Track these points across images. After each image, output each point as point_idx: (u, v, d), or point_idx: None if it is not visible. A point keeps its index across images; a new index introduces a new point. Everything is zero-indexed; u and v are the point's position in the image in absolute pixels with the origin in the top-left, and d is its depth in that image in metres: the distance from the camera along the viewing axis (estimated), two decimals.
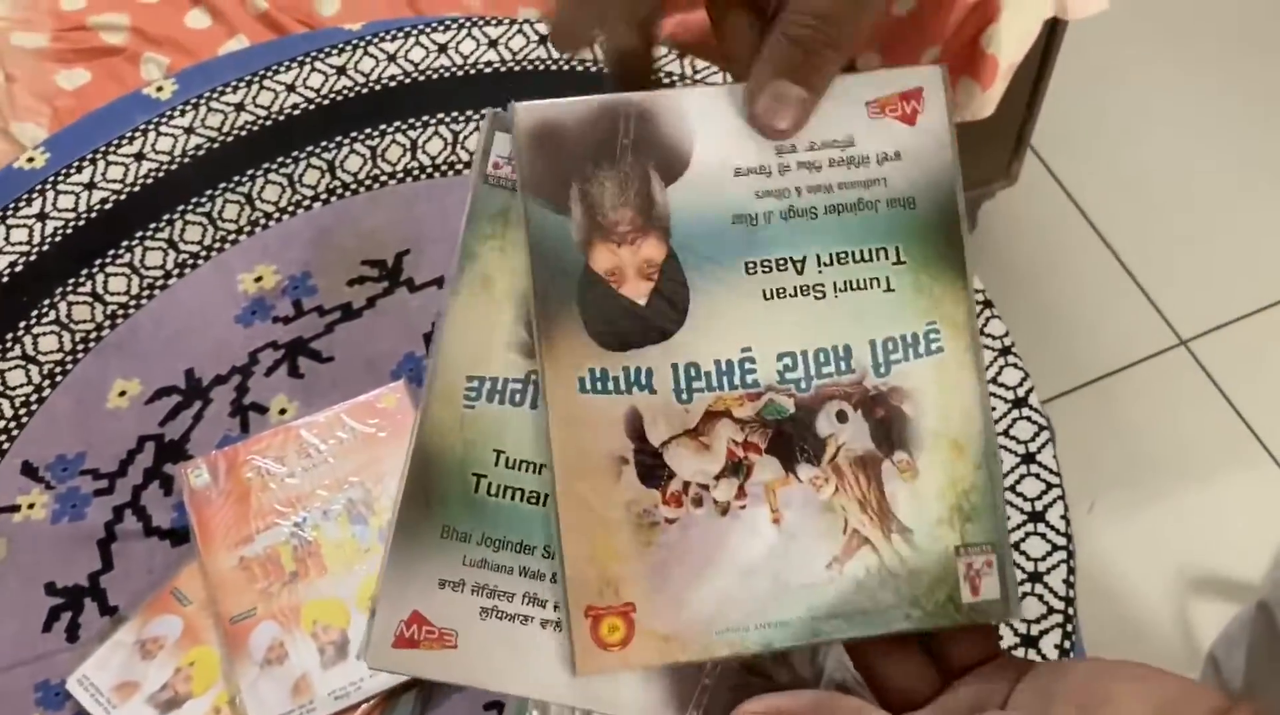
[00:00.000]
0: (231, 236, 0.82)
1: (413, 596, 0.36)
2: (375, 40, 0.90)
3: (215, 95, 0.89)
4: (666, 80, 0.86)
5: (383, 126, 0.86)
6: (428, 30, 0.90)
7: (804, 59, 0.39)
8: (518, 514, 0.37)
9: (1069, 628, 0.65)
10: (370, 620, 0.36)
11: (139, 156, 0.86)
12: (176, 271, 0.81)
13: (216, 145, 0.86)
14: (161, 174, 0.85)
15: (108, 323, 0.79)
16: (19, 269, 0.81)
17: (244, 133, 0.87)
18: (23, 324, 0.79)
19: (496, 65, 0.88)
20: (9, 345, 0.78)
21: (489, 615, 0.37)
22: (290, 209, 0.83)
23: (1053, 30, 1.37)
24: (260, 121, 0.87)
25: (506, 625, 0.36)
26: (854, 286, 0.38)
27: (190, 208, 0.83)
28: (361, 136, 0.86)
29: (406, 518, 0.37)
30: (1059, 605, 0.66)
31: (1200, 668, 1.12)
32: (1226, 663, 1.05)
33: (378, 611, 0.36)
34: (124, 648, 0.66)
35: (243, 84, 0.89)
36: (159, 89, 0.89)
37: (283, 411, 0.75)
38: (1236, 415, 1.58)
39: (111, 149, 0.86)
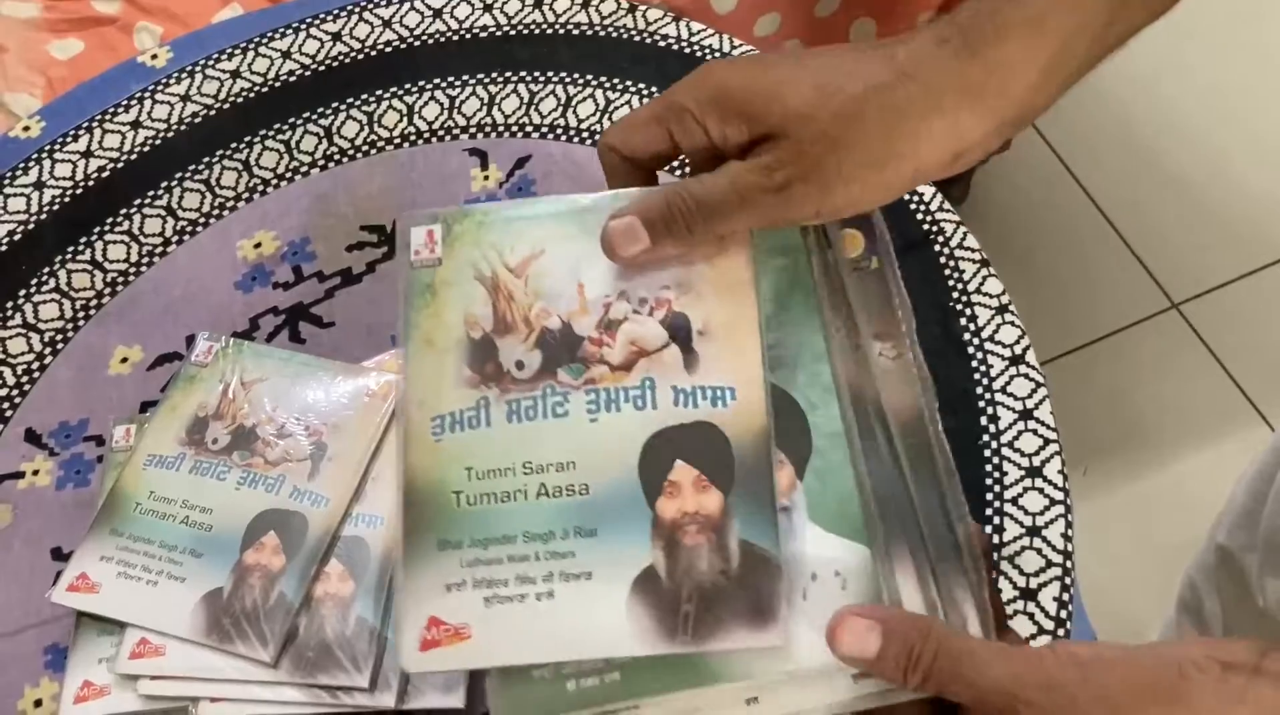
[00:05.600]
0: (230, 203, 0.82)
1: (426, 605, 0.43)
2: (371, 6, 0.90)
3: (211, 63, 0.88)
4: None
5: (379, 92, 0.86)
6: None
7: (663, 220, 0.46)
8: (494, 514, 0.44)
9: (1067, 581, 0.66)
10: (397, 635, 0.44)
11: (135, 124, 0.86)
12: (176, 238, 0.81)
13: (213, 113, 0.86)
14: (159, 142, 0.85)
15: (108, 290, 0.79)
16: (17, 238, 0.81)
17: (240, 100, 0.87)
18: (23, 292, 0.79)
19: (492, 29, 0.88)
20: (10, 313, 0.78)
21: (491, 603, 0.43)
22: (288, 175, 0.83)
23: None
24: (256, 88, 0.87)
25: (507, 607, 0.43)
26: None
27: (188, 175, 0.83)
28: (358, 102, 0.86)
29: (408, 542, 0.44)
30: (1057, 559, 0.66)
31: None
32: (1202, 608, 1.06)
33: (402, 624, 0.43)
34: None
35: (238, 51, 0.89)
36: (154, 57, 0.89)
37: None
38: (1229, 378, 1.59)
39: (108, 117, 0.86)
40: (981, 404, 0.71)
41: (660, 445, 0.45)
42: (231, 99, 0.87)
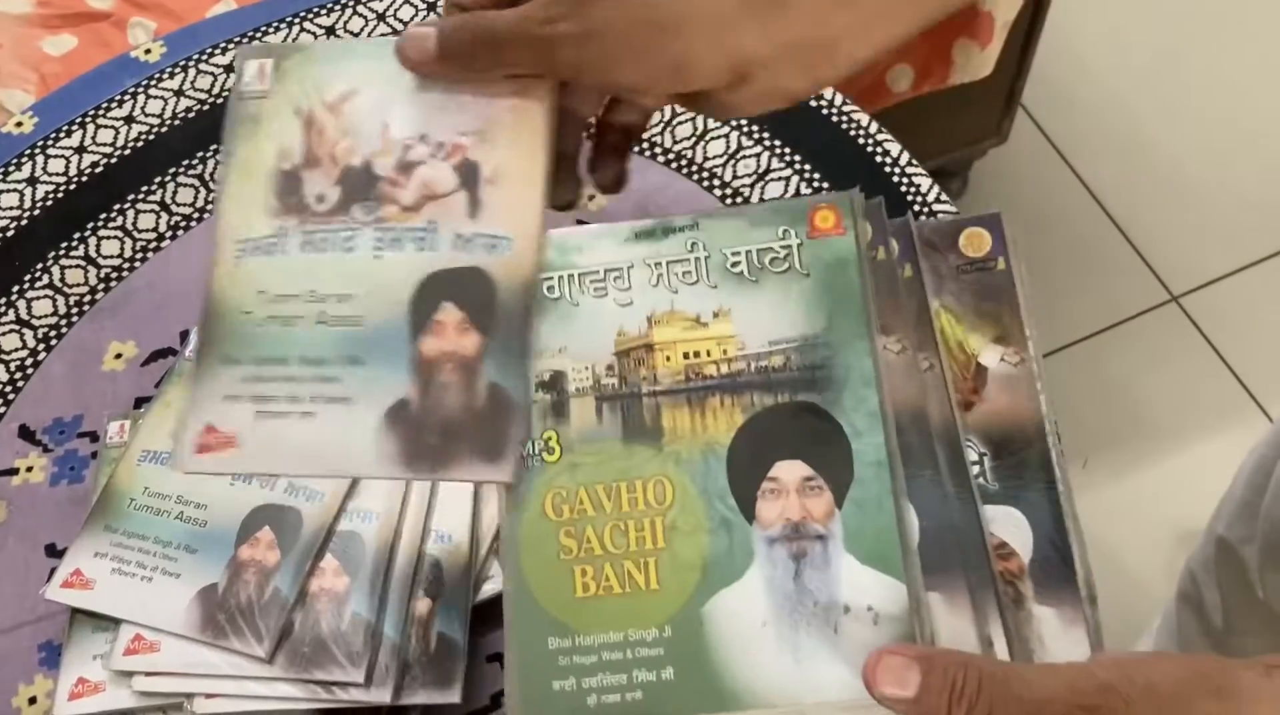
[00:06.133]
0: None
1: (205, 413, 0.47)
2: (363, 0, 0.90)
3: (204, 57, 0.88)
4: None
5: None
6: None
7: (455, 39, 0.47)
8: (276, 337, 0.47)
9: None
10: (176, 439, 0.46)
11: (129, 119, 0.85)
12: (169, 233, 0.81)
13: (206, 107, 0.86)
14: (152, 137, 0.85)
15: (101, 286, 0.79)
16: (10, 233, 0.81)
17: None
18: (16, 288, 0.79)
19: None
20: (3, 310, 0.78)
21: (261, 417, 0.47)
22: None
23: None
24: None
25: (273, 422, 0.46)
26: None
27: (182, 169, 0.83)
28: None
29: (201, 353, 0.48)
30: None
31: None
32: (1202, 600, 1.06)
33: (182, 429, 0.47)
34: None
35: (232, 45, 0.88)
36: (147, 52, 0.89)
37: None
38: (1228, 370, 1.59)
39: (101, 112, 0.86)
40: None
41: (432, 285, 0.48)
42: (225, 93, 0.86)
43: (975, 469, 0.54)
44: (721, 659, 0.48)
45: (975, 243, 0.58)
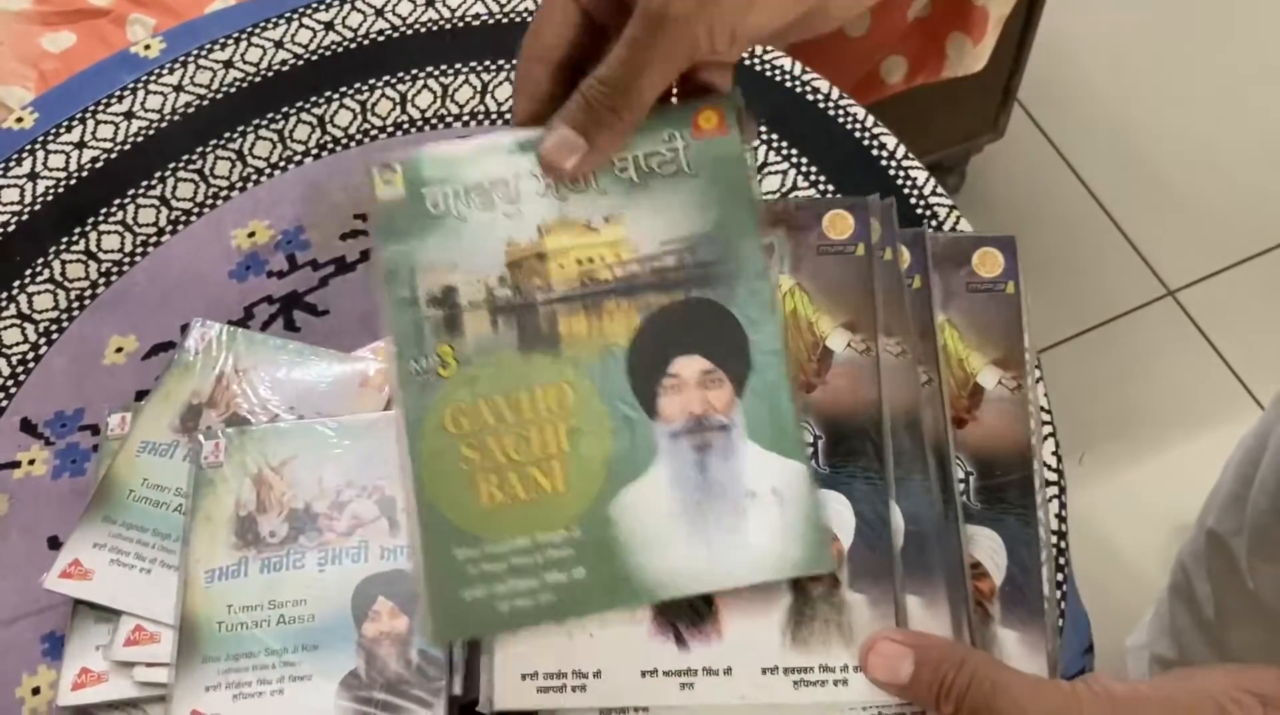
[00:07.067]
0: (224, 193, 0.82)
1: (190, 701, 0.59)
2: None
3: (203, 53, 0.88)
4: None
5: (371, 80, 0.86)
6: None
7: (588, 117, 0.48)
8: (244, 637, 0.61)
9: (1060, 561, 0.66)
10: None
11: (129, 115, 0.86)
12: (170, 228, 0.81)
13: (206, 103, 0.86)
14: (152, 132, 0.85)
15: (102, 280, 0.79)
16: (11, 228, 0.81)
17: (233, 89, 0.87)
18: (17, 283, 0.79)
19: (485, 17, 0.88)
20: (4, 304, 0.78)
21: (238, 699, 0.59)
22: (281, 164, 0.83)
23: None
24: (249, 78, 0.87)
25: (249, 700, 0.58)
26: None
27: (182, 165, 0.83)
28: (351, 91, 0.86)
29: (182, 655, 0.60)
30: (1051, 539, 0.66)
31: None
32: (1194, 592, 1.07)
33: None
34: None
35: (231, 41, 0.89)
36: (146, 48, 0.89)
37: None
38: (1224, 364, 1.60)
39: (101, 108, 0.86)
40: None
41: (368, 587, 0.61)
42: (224, 89, 0.87)
43: (961, 487, 0.55)
44: (632, 553, 0.49)
45: (988, 263, 0.59)
